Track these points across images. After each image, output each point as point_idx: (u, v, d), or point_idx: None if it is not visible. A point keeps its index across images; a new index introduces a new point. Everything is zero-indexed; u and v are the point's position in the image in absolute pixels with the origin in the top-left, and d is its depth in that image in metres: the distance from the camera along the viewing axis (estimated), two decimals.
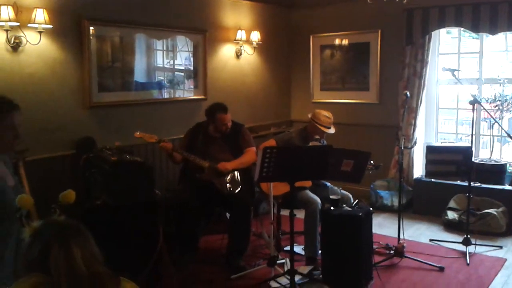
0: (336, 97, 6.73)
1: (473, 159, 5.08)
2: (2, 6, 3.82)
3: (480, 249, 4.71)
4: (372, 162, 4.38)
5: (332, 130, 4.67)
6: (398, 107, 6.06)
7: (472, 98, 4.54)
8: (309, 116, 4.74)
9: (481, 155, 5.92)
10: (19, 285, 1.46)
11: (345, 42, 6.61)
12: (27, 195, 2.19)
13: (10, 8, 3.85)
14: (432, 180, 5.68)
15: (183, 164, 4.58)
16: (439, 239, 5.04)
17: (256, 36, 6.24)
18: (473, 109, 4.56)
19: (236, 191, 4.38)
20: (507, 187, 5.45)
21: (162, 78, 5.39)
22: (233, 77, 6.24)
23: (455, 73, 4.68)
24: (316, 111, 4.74)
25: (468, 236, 4.66)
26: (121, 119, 4.90)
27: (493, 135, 5.90)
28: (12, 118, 2.33)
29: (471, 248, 4.63)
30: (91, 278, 1.46)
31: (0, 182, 2.29)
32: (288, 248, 4.17)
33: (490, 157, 5.72)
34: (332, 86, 6.80)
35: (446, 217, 5.41)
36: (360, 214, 3.81)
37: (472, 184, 4.71)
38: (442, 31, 6.08)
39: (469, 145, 4.71)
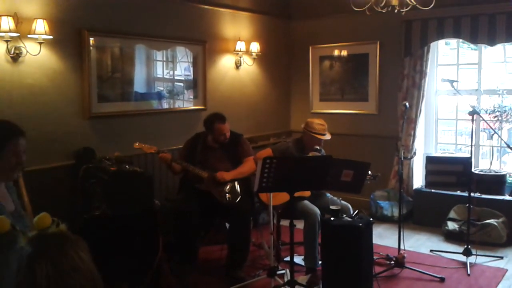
0: (335, 108, 6.75)
1: (473, 170, 5.08)
2: (2, 17, 3.83)
3: (481, 259, 4.69)
4: (370, 172, 4.38)
5: (328, 136, 4.66)
6: (397, 117, 6.06)
7: (471, 109, 4.56)
8: (302, 126, 4.73)
9: (481, 166, 5.91)
10: None
11: (344, 53, 6.64)
12: (2, 217, 2.04)
13: (10, 18, 3.86)
14: (432, 190, 5.68)
15: (182, 174, 4.58)
16: (440, 249, 5.03)
17: (255, 47, 6.26)
18: (472, 120, 4.58)
19: (236, 201, 4.36)
20: (507, 197, 5.43)
21: (161, 88, 5.39)
22: (233, 87, 6.25)
23: (454, 84, 4.70)
24: (308, 120, 4.72)
25: (469, 246, 4.64)
26: (121, 130, 4.90)
27: (492, 146, 5.91)
28: (17, 144, 2.24)
29: (471, 259, 4.61)
30: None
31: None
32: (288, 258, 4.15)
33: (490, 168, 5.71)
34: (331, 97, 6.82)
35: (446, 227, 5.39)
36: (360, 224, 3.79)
37: (472, 194, 4.71)
38: (441, 42, 6.11)
39: (469, 155, 4.72)
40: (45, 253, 1.42)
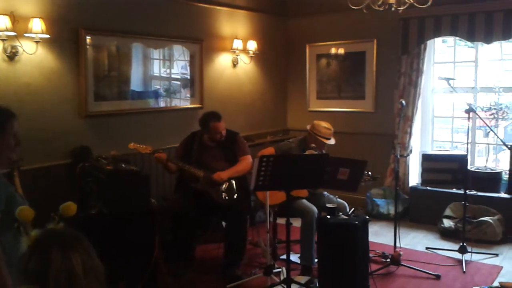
0: (332, 106, 6.76)
1: (468, 167, 5.09)
2: None
3: (476, 257, 4.72)
4: (370, 173, 4.39)
5: (332, 141, 4.65)
6: (393, 115, 6.08)
7: (467, 107, 4.57)
8: (308, 127, 4.70)
9: (477, 163, 5.94)
10: None
11: (341, 51, 6.64)
12: (27, 207, 2.12)
13: (7, 17, 3.86)
14: (428, 188, 5.68)
15: (179, 173, 4.58)
16: (435, 247, 5.04)
17: (252, 45, 6.26)
18: (469, 118, 4.59)
19: (232, 199, 4.37)
20: (502, 195, 5.46)
21: (158, 87, 5.39)
22: (230, 86, 6.25)
23: (451, 82, 4.71)
24: (315, 122, 4.70)
25: (464, 244, 4.66)
26: (117, 128, 4.90)
27: (488, 144, 5.92)
28: (13, 126, 2.31)
29: (467, 256, 4.63)
30: None
31: (9, 188, 2.26)
32: (284, 256, 4.16)
33: (486, 165, 5.74)
34: (328, 95, 6.83)
35: (442, 225, 5.41)
36: (356, 222, 3.81)
37: (468, 192, 4.72)
38: (438, 40, 6.12)
39: (465, 153, 4.73)
40: (66, 251, 1.42)
